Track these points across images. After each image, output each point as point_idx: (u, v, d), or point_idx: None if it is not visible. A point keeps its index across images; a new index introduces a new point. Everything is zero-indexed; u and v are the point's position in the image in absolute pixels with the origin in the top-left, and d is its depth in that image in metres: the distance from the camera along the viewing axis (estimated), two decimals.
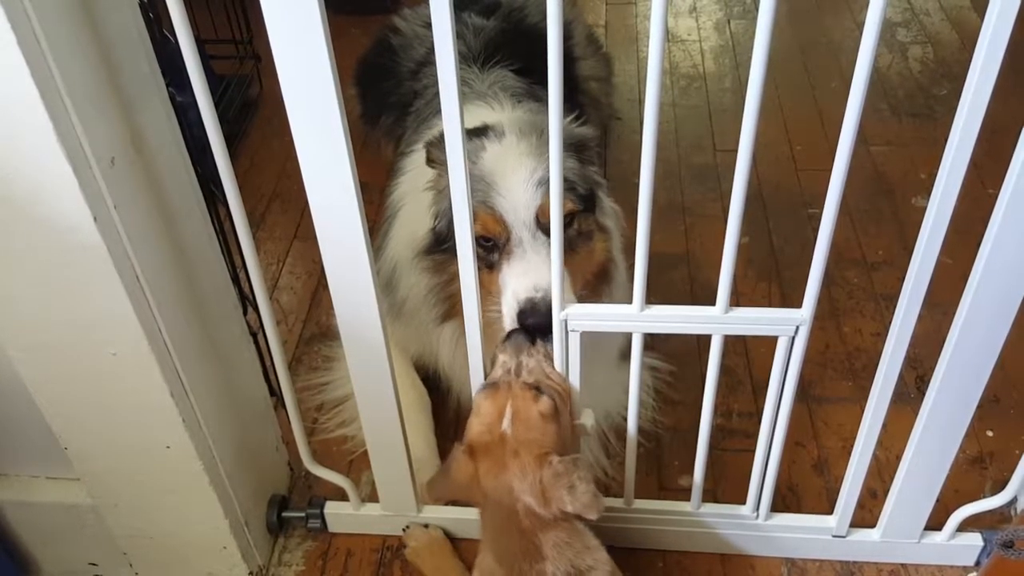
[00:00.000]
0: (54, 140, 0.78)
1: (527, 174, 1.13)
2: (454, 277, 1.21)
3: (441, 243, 1.21)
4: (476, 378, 1.04)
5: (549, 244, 1.09)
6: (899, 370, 0.98)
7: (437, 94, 0.84)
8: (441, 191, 1.21)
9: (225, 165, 0.92)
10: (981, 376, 0.96)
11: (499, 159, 1.16)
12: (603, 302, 1.25)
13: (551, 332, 0.99)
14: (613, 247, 1.28)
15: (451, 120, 0.84)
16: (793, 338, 0.97)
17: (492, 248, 1.14)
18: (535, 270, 1.10)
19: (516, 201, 1.12)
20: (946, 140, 0.81)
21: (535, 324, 1.06)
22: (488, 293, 1.13)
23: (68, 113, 0.79)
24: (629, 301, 0.97)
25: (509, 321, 1.10)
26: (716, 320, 0.96)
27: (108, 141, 0.86)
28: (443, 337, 1.30)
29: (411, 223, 1.31)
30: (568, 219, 1.12)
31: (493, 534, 0.96)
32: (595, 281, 1.24)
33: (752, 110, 0.80)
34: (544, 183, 1.12)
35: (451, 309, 1.26)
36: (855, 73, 0.77)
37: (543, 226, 1.12)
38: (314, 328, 1.62)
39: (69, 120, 0.80)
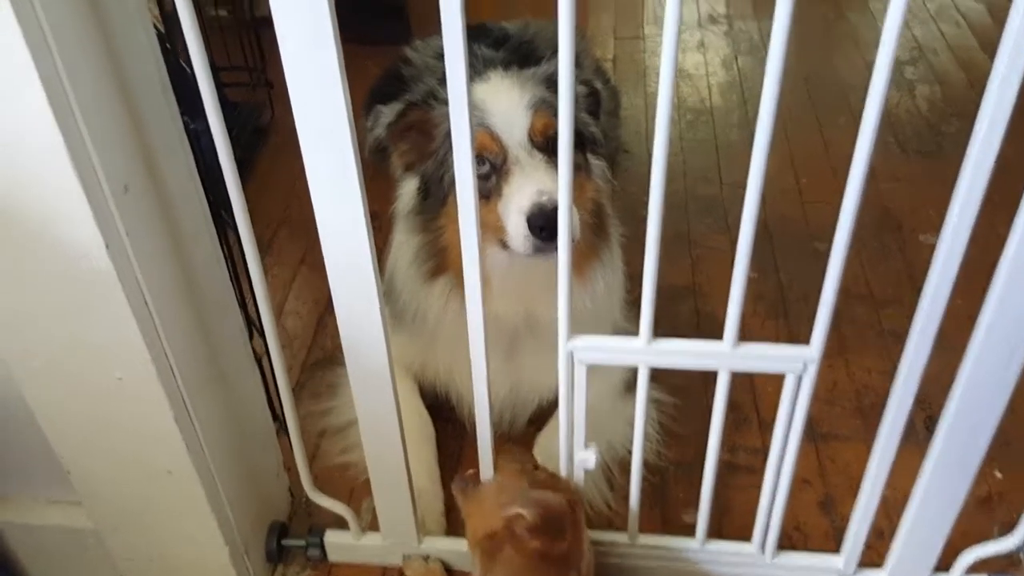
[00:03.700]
0: (69, 166, 0.79)
1: (517, 98, 1.17)
2: (442, 230, 1.23)
3: (427, 195, 1.23)
4: (476, 341, 0.99)
5: (546, 160, 1.14)
6: (908, 412, 0.97)
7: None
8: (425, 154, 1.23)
9: (237, 194, 0.92)
10: (991, 419, 0.96)
11: (486, 90, 1.19)
12: (603, 259, 1.28)
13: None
14: (602, 194, 1.30)
15: (463, 156, 0.84)
16: (801, 376, 0.96)
17: (488, 174, 1.15)
18: (535, 179, 1.11)
19: (510, 121, 1.15)
20: (955, 178, 0.82)
21: (545, 224, 1.06)
22: (484, 229, 1.13)
23: (83, 140, 0.80)
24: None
25: (519, 238, 1.10)
26: (724, 356, 0.96)
27: (122, 168, 0.86)
28: (433, 294, 1.28)
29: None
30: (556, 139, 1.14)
31: None
32: (591, 220, 1.25)
33: (762, 147, 0.80)
34: (533, 105, 1.16)
35: (440, 264, 1.26)
36: (865, 112, 0.78)
37: (536, 143, 1.15)
38: (318, 354, 1.61)
39: (84, 146, 0.80)
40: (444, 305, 1.29)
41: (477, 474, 1.10)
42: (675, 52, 0.76)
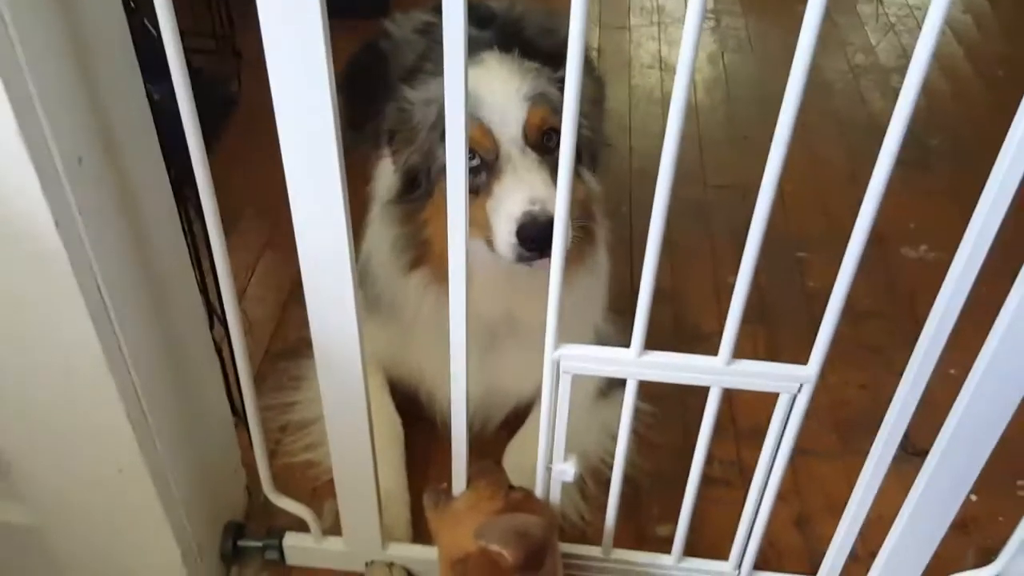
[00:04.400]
0: (16, 135, 0.71)
1: (514, 89, 1.10)
2: (426, 223, 1.17)
3: (411, 186, 1.17)
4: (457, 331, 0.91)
5: (539, 160, 1.09)
6: (899, 442, 0.94)
7: None
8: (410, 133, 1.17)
9: (203, 170, 0.85)
10: (984, 450, 0.93)
11: (482, 77, 1.12)
12: (588, 263, 1.23)
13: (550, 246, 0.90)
14: (590, 195, 1.25)
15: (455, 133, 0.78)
16: (795, 396, 0.92)
17: (478, 169, 1.09)
18: (528, 184, 1.06)
19: (505, 115, 1.09)
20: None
21: (536, 236, 1.03)
22: (471, 225, 1.08)
23: (35, 107, 0.72)
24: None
25: (506, 245, 1.06)
26: (718, 372, 0.91)
27: (77, 138, 0.78)
28: (409, 287, 1.23)
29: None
30: (551, 136, 1.09)
31: None
32: (577, 224, 1.19)
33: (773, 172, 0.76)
34: (531, 98, 1.10)
35: (420, 256, 1.20)
36: (884, 144, 0.74)
37: (531, 142, 1.09)
38: (281, 343, 1.54)
39: (35, 115, 0.72)
40: (421, 298, 1.23)
41: (449, 488, 1.04)
42: (694, 50, 0.71)
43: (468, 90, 1.06)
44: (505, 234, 1.06)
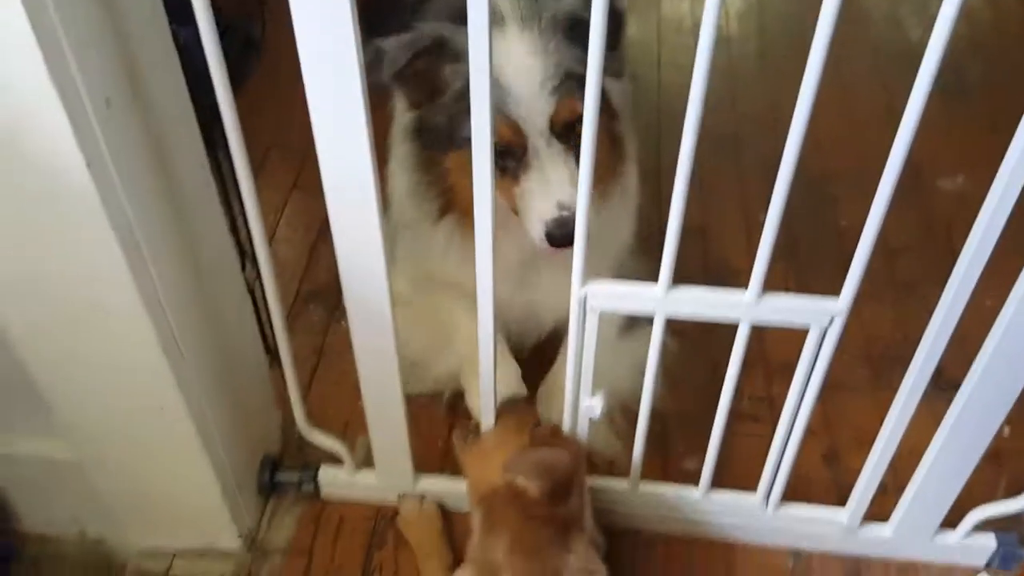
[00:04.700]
0: (46, 77, 0.71)
1: (539, 77, 1.07)
2: (448, 172, 1.15)
3: (434, 134, 1.15)
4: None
5: (565, 153, 1.08)
6: (931, 375, 0.93)
7: None
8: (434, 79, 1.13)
9: (230, 110, 0.85)
10: (1018, 382, 0.92)
11: (506, 57, 1.08)
12: (618, 190, 1.22)
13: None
14: (622, 126, 1.22)
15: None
16: (826, 329, 0.92)
17: (505, 155, 1.08)
18: (557, 187, 1.07)
19: (532, 107, 1.07)
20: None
21: (564, 237, 1.06)
22: (500, 193, 1.06)
23: (63, 49, 0.72)
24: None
25: (535, 238, 1.09)
26: (748, 307, 0.91)
27: (105, 80, 0.79)
28: (438, 234, 1.22)
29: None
30: (580, 122, 1.04)
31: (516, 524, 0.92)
32: (608, 173, 1.19)
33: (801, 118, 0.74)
34: (557, 89, 1.07)
35: (447, 204, 1.19)
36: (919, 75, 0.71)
37: (557, 133, 1.08)
38: (312, 284, 1.55)
39: (64, 56, 0.72)
40: (449, 244, 1.22)
41: (478, 426, 1.06)
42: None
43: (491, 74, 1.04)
44: (534, 230, 1.08)
